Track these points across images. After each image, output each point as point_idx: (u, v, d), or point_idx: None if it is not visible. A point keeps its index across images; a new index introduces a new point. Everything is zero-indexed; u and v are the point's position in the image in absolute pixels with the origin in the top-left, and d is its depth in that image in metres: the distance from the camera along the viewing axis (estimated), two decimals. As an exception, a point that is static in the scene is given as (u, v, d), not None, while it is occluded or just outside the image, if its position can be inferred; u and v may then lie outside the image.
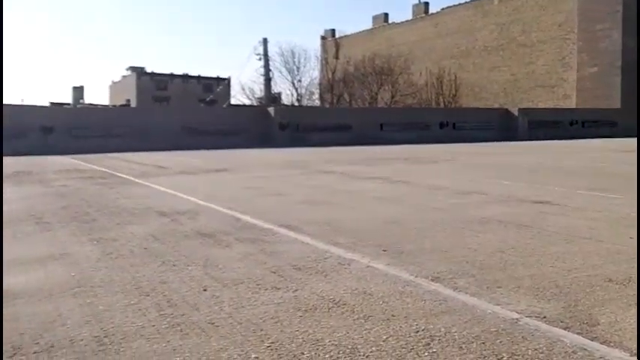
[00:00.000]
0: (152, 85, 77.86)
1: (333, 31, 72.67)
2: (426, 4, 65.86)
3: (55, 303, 3.82)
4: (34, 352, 3.03)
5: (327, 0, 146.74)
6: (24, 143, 26.81)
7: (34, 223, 6.92)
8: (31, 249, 5.47)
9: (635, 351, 3.02)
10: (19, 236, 6.11)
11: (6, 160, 20.05)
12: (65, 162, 19.17)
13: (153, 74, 79.21)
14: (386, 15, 70.80)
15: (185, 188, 10.31)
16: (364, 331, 3.34)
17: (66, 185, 11.15)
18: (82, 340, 3.19)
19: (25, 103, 64.73)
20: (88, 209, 7.95)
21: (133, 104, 70.94)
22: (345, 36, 69.75)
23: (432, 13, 64.70)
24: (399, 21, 68.49)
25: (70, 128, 29.82)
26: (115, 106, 63.45)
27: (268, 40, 63.81)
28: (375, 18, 71.56)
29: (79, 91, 72.30)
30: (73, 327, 3.38)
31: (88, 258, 5.08)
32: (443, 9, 63.28)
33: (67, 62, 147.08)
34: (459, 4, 60.94)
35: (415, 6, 66.68)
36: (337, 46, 65.50)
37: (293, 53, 63.40)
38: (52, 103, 63.73)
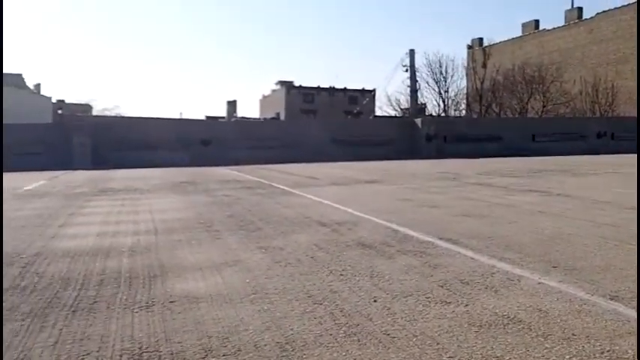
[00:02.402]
0: (300, 98, 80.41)
1: (481, 39, 70.90)
2: (580, 9, 62.31)
3: (235, 308, 4.02)
4: (224, 355, 3.20)
5: (474, 9, 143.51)
6: (185, 155, 28.78)
7: (204, 230, 7.37)
8: (206, 255, 5.82)
9: None
10: (193, 243, 6.52)
11: (171, 170, 21.61)
12: (223, 173, 20.26)
13: (300, 87, 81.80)
14: (536, 22, 67.96)
15: (339, 199, 10.50)
16: (545, 350, 3.21)
17: (228, 195, 11.78)
18: (265, 345, 3.33)
19: (184, 117, 69.59)
20: (252, 218, 8.33)
21: (282, 117, 73.71)
22: (494, 44, 67.76)
23: (587, 19, 61.05)
24: (550, 27, 65.43)
25: (226, 140, 31.58)
26: (265, 119, 66.27)
27: (415, 50, 63.42)
28: (524, 25, 68.96)
29: (232, 105, 76.33)
30: (256, 332, 3.54)
31: (259, 266, 5.31)
32: (598, 14, 59.54)
33: (221, 77, 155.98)
34: (616, 7, 57.02)
35: (568, 11, 63.34)
36: (485, 54, 63.74)
37: (440, 63, 62.65)
38: (207, 117, 67.71)
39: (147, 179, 17.30)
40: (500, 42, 68.95)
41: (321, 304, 4.08)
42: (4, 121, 37.92)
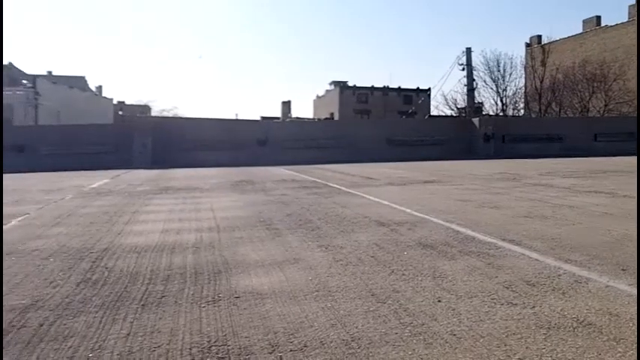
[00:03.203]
0: (353, 99, 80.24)
1: (540, 37, 69.19)
2: (645, 3, 60.00)
3: (299, 305, 4.06)
4: (290, 351, 3.24)
5: (532, 6, 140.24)
6: (242, 154, 29.17)
7: (265, 228, 7.46)
8: (267, 253, 5.89)
9: None
10: (254, 240, 6.61)
11: (228, 170, 21.94)
12: (279, 172, 20.44)
13: (354, 87, 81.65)
14: (598, 18, 65.81)
15: (397, 199, 10.45)
16: (618, 354, 3.13)
17: (285, 194, 11.88)
18: (331, 342, 3.35)
19: (239, 117, 70.49)
20: (311, 217, 8.38)
21: (336, 117, 73.79)
22: (553, 42, 66.00)
23: (652, 14, 58.75)
24: (612, 24, 63.30)
25: (281, 140, 31.85)
26: (319, 119, 66.51)
27: (472, 49, 62.41)
28: (585, 22, 66.88)
29: (287, 105, 76.94)
30: (321, 329, 3.56)
31: (320, 264, 5.34)
32: (663, 9, 57.21)
33: (275, 78, 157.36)
34: (684, 2, 54.68)
35: (632, 6, 61.08)
36: (544, 52, 62.17)
37: (498, 61, 61.48)
38: (262, 117, 68.36)
39: (205, 178, 17.62)
40: (560, 39, 67.12)
41: (384, 303, 4.08)
42: (68, 122, 39.30)
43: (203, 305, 4.09)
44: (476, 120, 35.41)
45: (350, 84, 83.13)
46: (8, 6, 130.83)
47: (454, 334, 3.45)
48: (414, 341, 3.35)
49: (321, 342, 3.36)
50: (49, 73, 69.95)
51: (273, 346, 3.30)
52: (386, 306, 4.01)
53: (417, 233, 6.86)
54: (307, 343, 3.34)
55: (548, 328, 3.55)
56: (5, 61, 66.40)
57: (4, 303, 4.26)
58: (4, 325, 3.75)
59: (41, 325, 3.74)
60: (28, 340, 3.47)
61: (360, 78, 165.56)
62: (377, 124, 42.56)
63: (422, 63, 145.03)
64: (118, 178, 18.98)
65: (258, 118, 64.42)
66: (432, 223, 7.60)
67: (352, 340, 3.37)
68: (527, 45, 70.59)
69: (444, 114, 63.69)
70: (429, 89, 78.92)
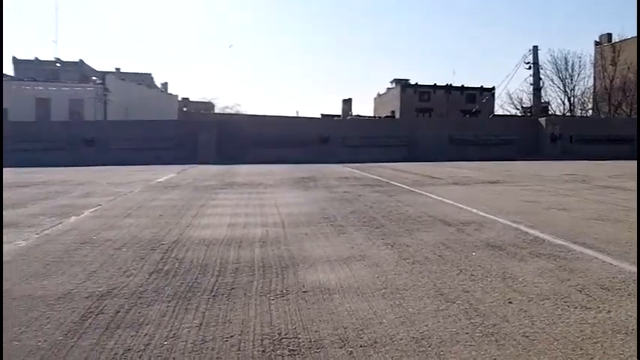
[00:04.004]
0: (415, 97, 79.52)
1: (610, 35, 66.83)
2: None
3: (367, 302, 4.06)
4: (361, 346, 3.25)
5: (602, 4, 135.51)
6: (303, 152, 29.36)
7: (329, 225, 7.49)
8: (333, 249, 5.91)
9: None
10: (319, 236, 6.65)
11: (290, 166, 22.12)
12: (340, 170, 20.47)
13: (416, 86, 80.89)
14: (674, 15, 63.06)
15: (462, 199, 10.30)
16: (702, 365, 3.00)
17: (348, 192, 11.90)
18: (401, 339, 3.34)
19: (300, 115, 70.95)
20: (375, 215, 8.36)
21: (397, 116, 73.31)
22: (624, 40, 63.63)
23: None
24: (690, 20, 60.44)
25: (342, 138, 31.89)
26: (380, 117, 66.20)
27: (539, 47, 60.70)
28: (660, 19, 64.13)
29: (347, 103, 76.93)
30: (390, 326, 3.56)
31: (386, 261, 5.33)
32: None
33: (336, 76, 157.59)
34: None
35: None
36: (615, 51, 60.00)
37: (566, 60, 59.78)
38: (322, 115, 68.52)
39: (268, 174, 17.83)
40: (631, 37, 64.63)
41: (454, 302, 4.04)
42: (136, 117, 40.45)
43: (272, 298, 4.15)
44: (542, 120, 34.52)
45: (412, 82, 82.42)
46: (79, 6, 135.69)
47: (527, 336, 3.38)
48: (486, 342, 3.30)
49: (391, 339, 3.35)
50: (118, 70, 72.25)
51: (343, 341, 3.32)
52: (455, 305, 3.96)
53: (484, 234, 6.75)
54: (377, 340, 3.34)
55: (626, 333, 3.44)
56: (75, 58, 68.91)
57: (83, 289, 4.44)
58: (83, 311, 3.90)
59: (117, 312, 3.87)
60: (105, 326, 3.60)
61: (422, 76, 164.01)
62: (439, 123, 42.09)
63: (486, 61, 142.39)
64: (183, 173, 19.44)
65: (319, 116, 64.70)
66: (500, 224, 7.46)
67: (422, 339, 3.35)
68: (597, 43, 68.29)
69: (508, 113, 62.39)
70: (493, 88, 77.28)
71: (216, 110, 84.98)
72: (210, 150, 29.77)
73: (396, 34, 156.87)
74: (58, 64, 67.07)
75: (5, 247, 6.21)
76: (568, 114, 57.44)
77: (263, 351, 3.19)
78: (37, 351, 3.23)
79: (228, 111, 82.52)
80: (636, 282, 4.37)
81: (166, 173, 18.59)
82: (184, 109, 70.00)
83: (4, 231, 7.23)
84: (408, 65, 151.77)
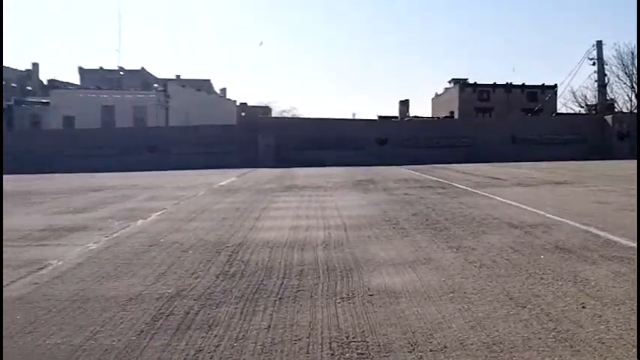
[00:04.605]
0: (474, 96, 78.00)
1: (680, 27, 63.96)
2: None
3: (435, 305, 4.01)
4: (431, 351, 3.20)
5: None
6: (361, 154, 29.32)
7: (391, 227, 7.44)
8: (397, 252, 5.87)
9: None
10: (382, 239, 6.62)
11: (348, 169, 22.10)
12: (400, 172, 20.34)
13: (475, 85, 79.39)
14: None
15: (527, 200, 10.05)
16: None
17: (409, 194, 11.80)
18: (471, 344, 3.28)
19: (356, 117, 70.85)
20: (438, 217, 8.26)
21: (456, 116, 72.21)
22: (696, 32, 60.75)
23: None
24: None
25: (400, 140, 31.69)
26: (438, 118, 65.40)
27: (603, 42, 58.66)
28: None
29: (404, 104, 76.16)
30: (459, 330, 3.49)
31: (452, 265, 5.25)
32: None
33: (393, 77, 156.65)
34: None
35: None
36: (685, 44, 57.41)
37: (632, 55, 57.61)
38: (379, 117, 68.21)
39: (327, 177, 17.87)
40: None
41: (524, 307, 3.93)
42: (196, 122, 41.32)
43: (338, 301, 4.15)
44: (608, 117, 33.38)
45: (470, 81, 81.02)
46: (140, 15, 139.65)
47: (603, 342, 3.26)
48: (560, 347, 3.20)
49: (461, 343, 3.29)
50: (178, 77, 73.94)
51: (412, 345, 3.28)
52: (526, 310, 3.86)
53: (552, 236, 6.57)
54: (447, 344, 3.29)
55: None
56: (137, 66, 70.88)
57: (153, 291, 4.55)
58: (154, 312, 4.00)
59: (187, 314, 3.94)
60: (176, 327, 3.67)
61: (481, 75, 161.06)
62: (500, 123, 41.25)
63: (547, 58, 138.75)
64: (244, 176, 19.71)
65: (375, 118, 64.42)
66: (568, 226, 7.24)
67: (494, 344, 3.28)
68: (666, 36, 65.50)
69: (572, 111, 60.57)
70: (556, 86, 75.05)
71: (274, 114, 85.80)
72: (268, 153, 30.10)
73: (454, 33, 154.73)
74: (121, 73, 69.23)
75: (77, 249, 6.44)
76: (635, 111, 55.30)
77: (332, 354, 3.19)
78: (112, 350, 3.32)
79: (285, 115, 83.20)
80: (636, 282, 4.22)
81: (227, 177, 18.89)
82: (242, 113, 71.01)
83: (76, 234, 7.50)
84: (467, 64, 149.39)
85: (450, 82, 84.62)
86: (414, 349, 3.23)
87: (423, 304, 4.04)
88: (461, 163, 25.04)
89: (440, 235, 6.77)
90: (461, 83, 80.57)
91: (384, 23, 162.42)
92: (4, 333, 3.65)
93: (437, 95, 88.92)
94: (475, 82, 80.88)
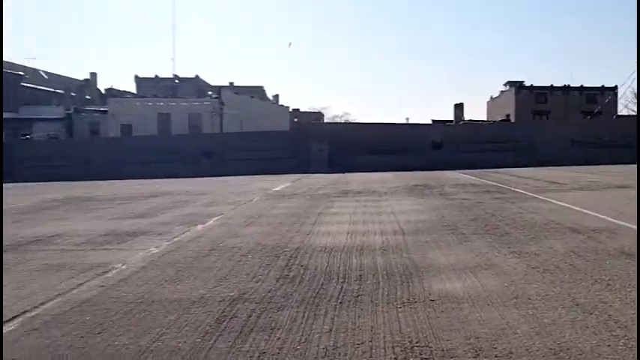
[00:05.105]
0: (531, 99, 76.36)
1: None
2: None
3: (498, 311, 3.95)
4: (495, 357, 3.16)
5: None
6: (415, 158, 29.06)
7: (450, 233, 7.36)
8: (457, 257, 5.80)
9: None
10: (441, 244, 6.55)
11: (402, 174, 21.95)
12: (455, 176, 20.09)
13: (532, 87, 77.75)
14: None
15: (590, 205, 9.77)
16: None
17: (466, 199, 11.63)
18: (537, 350, 3.22)
19: (410, 121, 70.28)
20: (498, 222, 8.12)
21: (512, 119, 70.86)
22: None
23: None
24: None
25: (456, 144, 31.27)
26: (494, 121, 64.28)
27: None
28: None
29: (459, 107, 75.15)
30: (525, 337, 3.43)
31: (514, 270, 5.16)
32: None
33: (446, 80, 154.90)
34: None
35: None
36: None
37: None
38: (433, 121, 67.47)
39: (381, 182, 17.80)
40: None
41: (591, 313, 3.84)
42: (249, 129, 41.85)
43: (399, 306, 4.13)
44: (674, 119, 32.09)
45: (527, 84, 79.39)
46: (193, 24, 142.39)
47: (673, 352, 3.15)
48: (631, 356, 3.12)
49: (527, 350, 3.24)
50: (231, 84, 75.01)
51: (476, 351, 3.24)
52: (593, 317, 3.77)
53: (618, 242, 6.37)
54: (512, 350, 3.24)
55: None
56: (192, 74, 72.30)
57: (215, 294, 4.63)
58: (217, 315, 4.07)
59: (250, 317, 4.00)
60: (240, 330, 3.73)
61: (538, 77, 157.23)
62: (558, 126, 40.14)
63: (606, 59, 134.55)
64: (298, 182, 19.83)
65: (430, 122, 63.74)
66: (634, 231, 7.00)
67: (560, 350, 3.21)
68: None
69: (634, 113, 58.49)
70: (616, 87, 72.80)
71: (326, 120, 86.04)
72: (322, 159, 30.18)
73: (509, 35, 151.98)
74: (176, 81, 70.69)
75: (139, 253, 6.62)
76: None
77: (395, 358, 3.18)
78: (178, 351, 3.40)
79: (337, 120, 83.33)
80: (636, 282, 4.12)
81: (282, 182, 19.04)
82: (295, 119, 71.47)
83: (138, 239, 7.71)
84: (523, 67, 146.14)
85: (505, 84, 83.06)
86: (478, 355, 3.19)
87: (485, 310, 3.98)
88: (518, 167, 24.53)
89: (500, 241, 6.66)
90: (517, 86, 79.00)
91: (437, 26, 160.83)
92: (75, 333, 3.78)
93: (492, 98, 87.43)
94: (532, 85, 79.21)
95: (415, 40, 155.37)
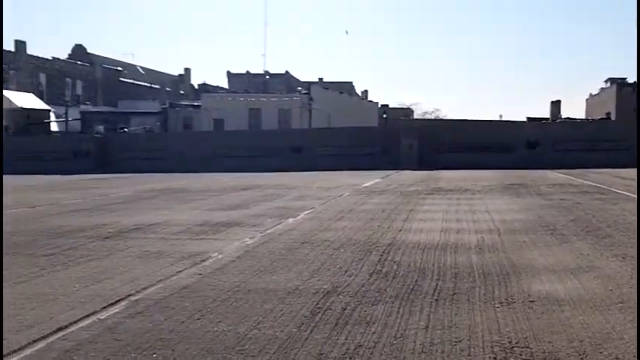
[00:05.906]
0: (633, 96, 72.43)
1: None
2: None
3: (602, 315, 3.79)
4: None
5: None
6: (508, 157, 28.23)
7: (549, 233, 7.11)
8: (557, 259, 5.61)
9: None
10: (539, 245, 6.34)
11: (496, 172, 21.39)
12: (552, 176, 19.39)
13: (635, 84, 73.77)
14: None
15: (701, 208, 9.16)
16: None
17: (565, 199, 11.18)
18: None
19: (504, 118, 68.42)
20: (599, 224, 7.76)
21: (613, 117, 67.54)
22: None
23: None
24: None
25: (552, 142, 30.12)
26: (593, 119, 61.51)
27: None
28: None
29: (556, 105, 72.55)
30: (632, 342, 3.29)
31: (619, 274, 4.93)
32: None
33: (543, 77, 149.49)
34: None
35: None
36: None
37: None
38: (528, 118, 65.35)
39: (473, 180, 17.40)
40: None
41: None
42: (338, 124, 42.09)
43: (497, 305, 4.04)
44: None
45: (629, 81, 75.36)
46: (285, 21, 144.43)
47: None
48: None
49: (635, 356, 3.09)
50: (320, 79, 75.60)
51: (580, 354, 3.13)
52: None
53: None
54: (618, 356, 3.10)
55: None
56: (282, 70, 73.42)
57: (309, 285, 4.70)
58: (312, 306, 4.12)
59: (344, 309, 4.03)
60: (335, 322, 3.77)
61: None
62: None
63: None
64: (388, 178, 19.75)
65: (524, 120, 61.75)
66: None
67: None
68: None
69: None
70: None
71: (415, 116, 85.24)
72: (411, 156, 29.86)
73: (610, 30, 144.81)
74: (266, 76, 72.09)
75: (235, 243, 6.81)
76: None
77: (494, 358, 3.12)
78: (275, 340, 3.47)
79: (427, 116, 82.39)
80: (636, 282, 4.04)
81: (371, 178, 19.00)
82: (384, 115, 71.13)
83: (232, 230, 7.93)
84: (624, 64, 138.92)
85: (606, 81, 79.29)
86: (582, 359, 3.07)
87: (588, 313, 3.83)
88: (618, 167, 23.29)
89: (602, 243, 6.37)
90: (619, 82, 75.24)
91: (532, 21, 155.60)
92: (176, 318, 3.94)
93: (591, 95, 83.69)
94: (635, 82, 75.13)
95: (510, 37, 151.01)
